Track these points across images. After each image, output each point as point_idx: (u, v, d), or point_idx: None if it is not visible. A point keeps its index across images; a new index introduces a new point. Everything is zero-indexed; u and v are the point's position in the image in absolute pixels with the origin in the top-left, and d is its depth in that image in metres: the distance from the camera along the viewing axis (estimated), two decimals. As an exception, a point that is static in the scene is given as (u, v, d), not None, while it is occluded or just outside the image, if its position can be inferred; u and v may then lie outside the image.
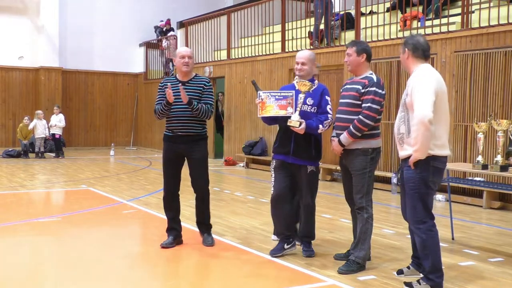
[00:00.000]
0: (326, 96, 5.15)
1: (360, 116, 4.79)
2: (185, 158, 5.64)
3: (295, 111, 5.05)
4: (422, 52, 4.36)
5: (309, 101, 5.11)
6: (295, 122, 5.01)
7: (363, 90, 4.85)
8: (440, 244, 5.76)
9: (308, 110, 5.09)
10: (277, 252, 5.29)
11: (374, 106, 4.79)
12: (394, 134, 4.54)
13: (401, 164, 4.45)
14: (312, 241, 5.42)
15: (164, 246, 5.58)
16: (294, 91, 5.12)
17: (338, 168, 11.24)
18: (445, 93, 4.32)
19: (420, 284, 4.28)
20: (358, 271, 4.80)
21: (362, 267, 4.85)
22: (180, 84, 5.48)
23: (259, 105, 5.17)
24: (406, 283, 4.39)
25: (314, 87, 5.14)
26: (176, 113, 5.45)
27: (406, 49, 4.40)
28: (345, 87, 5.12)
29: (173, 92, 5.38)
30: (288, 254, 5.34)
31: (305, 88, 5.09)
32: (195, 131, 5.51)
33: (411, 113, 4.20)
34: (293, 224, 5.43)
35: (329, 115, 5.09)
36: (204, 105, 5.45)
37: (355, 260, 4.85)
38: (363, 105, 4.83)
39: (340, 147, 4.92)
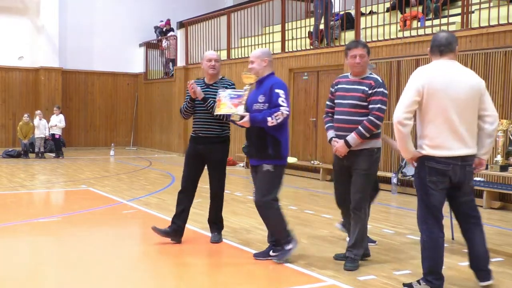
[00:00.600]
0: (276, 90, 4.95)
1: (370, 117, 4.79)
2: (204, 158, 5.73)
3: (241, 105, 5.00)
4: (437, 48, 4.22)
5: (261, 98, 5.01)
6: (236, 116, 4.96)
7: (370, 91, 4.83)
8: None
9: (261, 107, 4.98)
10: (260, 256, 5.19)
11: (383, 106, 4.82)
12: None
13: None
14: (285, 240, 5.10)
15: (155, 229, 5.66)
16: (248, 89, 5.07)
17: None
18: (441, 90, 4.07)
19: (420, 284, 4.25)
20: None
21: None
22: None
23: (216, 103, 5.18)
24: (405, 284, 4.37)
25: (258, 79, 5.07)
26: (199, 115, 5.65)
27: (428, 49, 4.36)
28: (341, 86, 5.02)
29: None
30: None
31: (249, 80, 5.05)
32: (215, 133, 5.64)
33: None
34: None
35: (281, 107, 4.87)
36: None
37: (354, 258, 4.88)
38: (372, 106, 4.81)
39: (346, 149, 4.87)
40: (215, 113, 5.31)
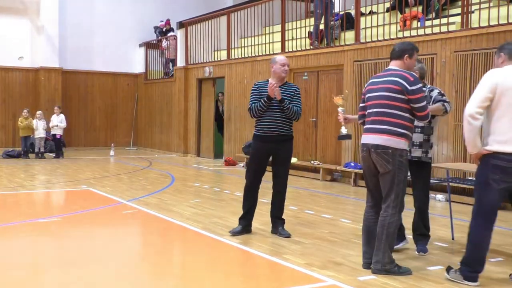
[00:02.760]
0: None
1: None
2: (271, 156, 6.09)
3: None
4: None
5: None
6: None
7: None
8: (440, 244, 5.79)
9: None
10: None
11: None
12: None
13: None
14: None
15: (233, 233, 6.04)
16: None
17: (338, 168, 11.30)
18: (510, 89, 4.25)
19: (455, 273, 4.49)
20: None
21: None
22: (273, 83, 5.90)
23: None
24: (447, 268, 4.62)
25: None
26: (268, 114, 5.96)
27: (502, 53, 4.46)
28: None
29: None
30: (288, 254, 5.34)
31: None
32: (284, 131, 6.01)
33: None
34: None
35: None
36: (294, 107, 5.95)
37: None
38: None
39: None
40: None
